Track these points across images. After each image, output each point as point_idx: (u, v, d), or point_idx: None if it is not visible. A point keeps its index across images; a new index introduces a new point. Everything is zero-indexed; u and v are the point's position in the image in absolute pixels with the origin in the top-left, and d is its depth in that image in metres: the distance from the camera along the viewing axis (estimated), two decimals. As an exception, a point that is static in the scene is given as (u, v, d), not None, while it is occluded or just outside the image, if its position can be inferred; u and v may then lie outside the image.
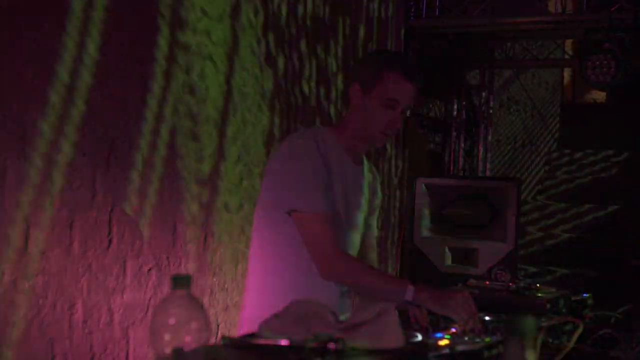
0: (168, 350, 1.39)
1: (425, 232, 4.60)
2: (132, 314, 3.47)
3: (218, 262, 4.10)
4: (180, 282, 1.42)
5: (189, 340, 1.40)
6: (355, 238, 2.80)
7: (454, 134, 8.17)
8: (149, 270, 3.59)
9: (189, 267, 3.84)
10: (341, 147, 2.72)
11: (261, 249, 2.70)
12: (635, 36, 6.43)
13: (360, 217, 2.81)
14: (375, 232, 2.95)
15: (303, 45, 4.93)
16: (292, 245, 2.61)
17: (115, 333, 3.40)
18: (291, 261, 2.63)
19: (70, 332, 3.18)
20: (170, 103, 3.75)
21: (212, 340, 1.61)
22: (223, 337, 1.71)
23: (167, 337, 1.39)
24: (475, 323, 2.39)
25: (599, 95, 11.60)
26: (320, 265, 2.59)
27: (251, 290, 2.73)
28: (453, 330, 2.30)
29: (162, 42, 3.69)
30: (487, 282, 3.08)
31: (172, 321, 1.39)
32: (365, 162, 2.88)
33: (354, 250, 2.78)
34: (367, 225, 2.89)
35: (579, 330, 2.22)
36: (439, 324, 2.45)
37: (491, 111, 8.40)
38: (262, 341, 1.72)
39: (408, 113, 2.72)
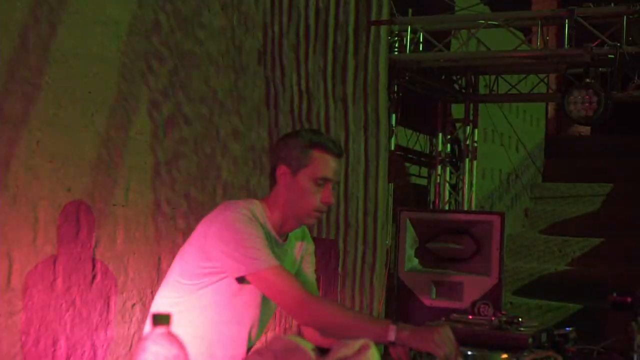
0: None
1: (410, 266, 4.61)
2: (116, 349, 3.47)
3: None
4: (161, 320, 1.43)
5: (169, 378, 1.41)
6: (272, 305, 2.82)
7: (439, 167, 8.21)
8: (133, 305, 3.58)
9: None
10: (269, 222, 2.74)
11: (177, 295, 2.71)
12: (617, 71, 6.50)
13: None
14: (310, 274, 2.96)
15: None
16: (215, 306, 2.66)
17: (98, 369, 3.39)
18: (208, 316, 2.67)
19: (53, 368, 3.17)
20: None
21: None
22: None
23: (147, 374, 1.40)
24: (457, 358, 2.40)
25: (584, 128, 11.68)
26: (295, 312, 2.63)
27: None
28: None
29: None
30: (470, 317, 3.08)
31: (153, 358, 1.40)
32: (295, 234, 2.88)
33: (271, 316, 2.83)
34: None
35: (558, 365, 2.23)
36: (422, 359, 2.46)
37: (475, 145, 8.45)
38: (243, 378, 1.73)
39: (334, 187, 2.75)
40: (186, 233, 4.00)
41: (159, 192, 3.83)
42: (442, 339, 2.43)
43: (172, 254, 3.85)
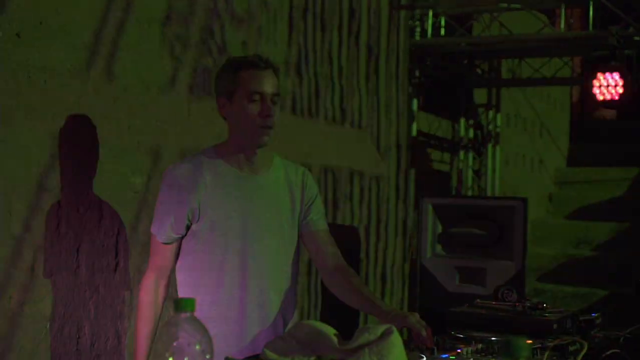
0: (172, 373, 1.39)
1: (433, 252, 4.59)
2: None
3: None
4: (184, 305, 1.42)
5: (192, 364, 1.40)
6: (273, 242, 2.80)
7: (462, 152, 8.17)
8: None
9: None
10: (227, 162, 2.77)
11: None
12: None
13: (271, 222, 2.81)
14: (321, 227, 2.93)
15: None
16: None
17: (122, 356, 3.40)
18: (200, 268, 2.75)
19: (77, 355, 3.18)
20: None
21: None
22: (227, 358, 1.71)
23: (170, 359, 1.40)
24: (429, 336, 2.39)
25: (609, 112, 11.58)
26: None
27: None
28: (459, 350, 2.30)
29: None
30: (494, 302, 3.07)
31: (175, 344, 1.39)
32: (277, 165, 2.89)
33: (275, 255, 2.79)
34: (305, 225, 2.89)
35: (584, 350, 2.21)
36: (446, 345, 2.45)
37: (498, 130, 8.40)
38: (265, 363, 1.72)
39: (278, 102, 2.78)
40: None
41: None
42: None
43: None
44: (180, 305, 1.42)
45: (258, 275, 2.71)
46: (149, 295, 2.76)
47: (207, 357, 1.39)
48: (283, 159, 2.90)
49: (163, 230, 2.72)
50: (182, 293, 2.77)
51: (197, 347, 1.39)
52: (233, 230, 2.71)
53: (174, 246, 2.74)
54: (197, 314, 1.45)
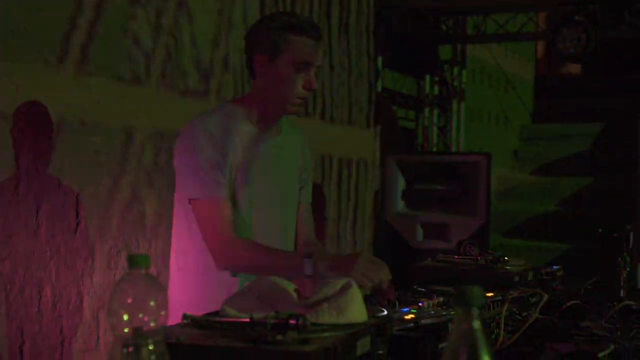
0: (127, 330, 1.38)
1: (397, 209, 4.61)
2: (102, 296, 3.46)
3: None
4: (138, 261, 1.40)
5: (147, 320, 1.39)
6: (283, 213, 2.75)
7: (427, 109, 8.17)
8: (119, 252, 3.57)
9: (158, 250, 3.83)
10: (250, 121, 2.65)
11: (176, 232, 2.69)
12: (606, 8, 6.44)
13: (285, 192, 2.78)
14: (309, 199, 2.89)
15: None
16: (194, 229, 2.60)
17: (85, 316, 3.38)
18: (197, 244, 2.61)
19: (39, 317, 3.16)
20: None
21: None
22: (184, 316, 1.70)
23: (125, 316, 1.38)
24: (389, 287, 2.38)
25: (574, 67, 11.62)
26: (214, 254, 2.56)
27: (172, 273, 2.73)
28: (420, 304, 2.31)
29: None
30: (457, 257, 3.08)
31: (130, 300, 1.38)
32: (288, 130, 2.80)
33: (281, 229, 2.74)
34: (295, 199, 2.85)
35: (543, 301, 2.23)
36: (407, 299, 2.45)
37: (464, 86, 8.40)
38: (223, 319, 1.71)
39: (317, 72, 2.66)
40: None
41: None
42: (366, 266, 2.40)
43: (158, 200, 3.84)
44: (135, 261, 1.40)
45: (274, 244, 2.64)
46: (239, 242, 2.56)
47: (162, 313, 1.38)
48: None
49: (219, 184, 2.52)
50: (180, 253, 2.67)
51: (152, 303, 1.38)
52: (258, 198, 2.62)
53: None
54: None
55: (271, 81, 2.61)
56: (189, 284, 2.63)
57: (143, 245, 3.73)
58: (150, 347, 1.35)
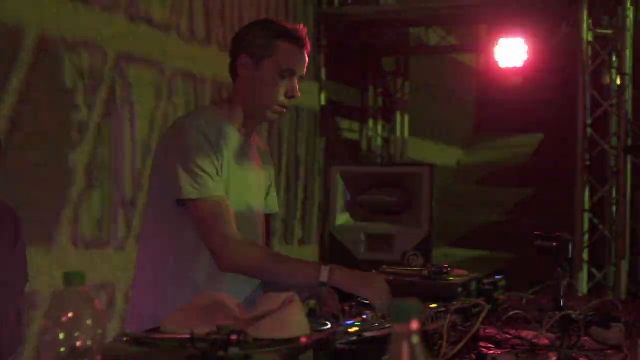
0: (63, 349, 1.35)
1: (342, 220, 4.61)
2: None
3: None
4: (73, 278, 1.38)
5: (84, 338, 1.36)
6: (254, 221, 2.74)
7: (371, 120, 8.20)
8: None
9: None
10: (231, 125, 2.62)
11: (148, 240, 2.63)
12: (544, 17, 6.53)
13: (255, 197, 2.75)
14: (275, 209, 2.89)
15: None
16: (179, 236, 2.55)
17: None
18: (179, 252, 2.56)
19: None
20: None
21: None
22: (124, 333, 1.67)
23: (61, 335, 1.35)
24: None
25: (513, 79, 11.74)
26: (215, 255, 2.49)
27: (139, 284, 2.67)
28: (364, 317, 2.30)
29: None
30: (400, 267, 3.08)
31: (64, 318, 1.35)
32: (255, 137, 2.79)
33: (255, 235, 2.71)
34: (262, 208, 2.83)
35: (484, 312, 2.24)
36: (351, 311, 2.45)
37: (407, 98, 8.44)
38: (164, 335, 1.69)
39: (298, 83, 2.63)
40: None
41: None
42: (379, 287, 2.41)
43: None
44: (69, 278, 1.37)
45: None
46: (249, 243, 2.51)
47: (99, 331, 1.35)
48: None
49: (219, 183, 2.47)
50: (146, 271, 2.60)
51: (88, 321, 1.35)
52: (234, 204, 2.55)
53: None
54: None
55: (253, 85, 2.58)
56: (163, 291, 2.55)
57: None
58: (87, 366, 1.33)
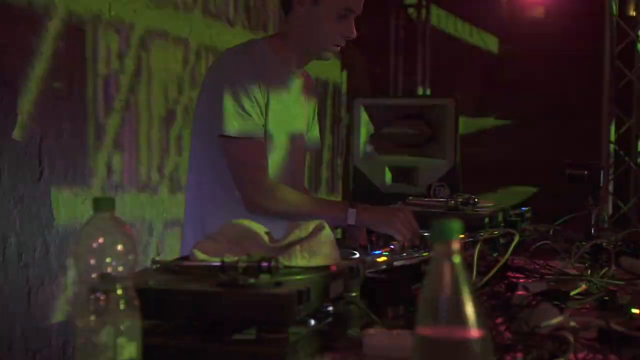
0: (94, 276, 1.34)
1: (365, 152, 4.57)
2: (69, 244, 3.40)
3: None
4: (103, 204, 1.36)
5: (115, 265, 1.35)
6: (292, 157, 2.72)
7: (393, 53, 8.09)
8: (84, 200, 3.50)
9: (125, 197, 3.77)
10: (280, 60, 2.59)
11: (196, 175, 2.63)
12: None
13: (298, 135, 2.73)
14: (315, 143, 2.88)
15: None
16: (225, 171, 2.54)
17: (51, 267, 3.33)
18: (227, 188, 2.56)
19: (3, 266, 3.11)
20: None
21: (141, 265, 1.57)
22: (154, 261, 1.66)
23: (92, 261, 1.34)
24: (417, 240, 2.38)
25: (537, 11, 11.55)
26: (243, 196, 2.50)
27: (188, 217, 2.67)
28: (392, 247, 2.29)
29: None
30: (426, 199, 3.06)
31: (95, 245, 1.33)
32: (303, 73, 2.76)
33: (290, 173, 2.71)
34: (305, 141, 2.82)
35: (515, 241, 2.22)
36: (379, 242, 2.44)
37: (430, 31, 8.32)
38: (194, 263, 1.68)
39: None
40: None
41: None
42: (404, 221, 2.40)
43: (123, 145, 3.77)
44: (99, 204, 1.35)
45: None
46: (279, 186, 2.52)
47: (130, 257, 1.33)
48: None
49: (259, 125, 2.47)
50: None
51: (119, 247, 1.34)
52: (275, 141, 2.57)
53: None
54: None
55: (309, 23, 2.53)
56: (209, 222, 2.55)
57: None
58: (119, 293, 1.31)
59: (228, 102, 2.44)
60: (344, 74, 6.59)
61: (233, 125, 2.44)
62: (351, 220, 2.44)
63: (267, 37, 2.70)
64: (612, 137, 6.60)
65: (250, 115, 2.46)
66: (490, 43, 10.58)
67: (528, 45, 10.55)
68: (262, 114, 2.49)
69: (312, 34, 2.55)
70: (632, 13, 6.63)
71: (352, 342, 1.59)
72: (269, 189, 2.51)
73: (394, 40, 8.11)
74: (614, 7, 6.40)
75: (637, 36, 6.47)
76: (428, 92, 8.27)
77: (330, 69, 6.31)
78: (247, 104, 2.45)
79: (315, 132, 2.87)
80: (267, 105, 2.52)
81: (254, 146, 2.48)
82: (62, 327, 3.34)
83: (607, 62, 6.47)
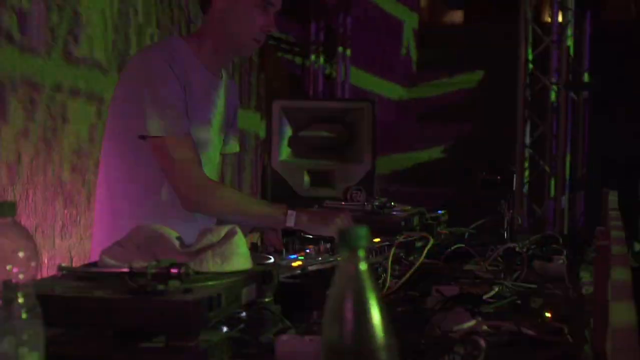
0: (-4, 284, 1.29)
1: (283, 156, 4.55)
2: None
3: (69, 192, 3.94)
4: (3, 209, 1.31)
5: (17, 272, 1.30)
6: (214, 159, 2.69)
7: (313, 56, 8.11)
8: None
9: (37, 198, 3.67)
10: (199, 58, 2.54)
11: (108, 176, 2.57)
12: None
13: (217, 136, 2.70)
14: (236, 150, 2.86)
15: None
16: (141, 172, 2.50)
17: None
18: (141, 188, 2.52)
19: None
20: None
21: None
22: (60, 267, 1.62)
23: (-8, 269, 1.29)
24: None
25: (457, 16, 11.75)
26: (179, 194, 2.44)
27: (99, 220, 2.62)
28: (307, 251, 2.28)
29: None
30: (343, 203, 3.07)
31: (-4, 252, 1.29)
32: (224, 74, 2.73)
33: (212, 174, 2.67)
34: (224, 144, 2.78)
35: (429, 245, 2.23)
36: (294, 246, 2.42)
37: (349, 33, 8.36)
38: (102, 270, 1.63)
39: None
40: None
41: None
42: (346, 222, 2.40)
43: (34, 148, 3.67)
44: (0, 209, 1.30)
45: None
46: (218, 185, 2.51)
47: (32, 264, 1.29)
48: None
49: (185, 121, 2.39)
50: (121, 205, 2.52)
51: (21, 254, 1.29)
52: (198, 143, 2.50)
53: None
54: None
55: (229, 16, 2.48)
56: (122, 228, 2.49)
57: (19, 194, 3.56)
58: (21, 301, 1.27)
59: (148, 100, 2.38)
60: (262, 75, 6.58)
61: (157, 123, 2.38)
62: (290, 222, 2.42)
63: (186, 36, 2.64)
64: (527, 141, 6.73)
65: (173, 111, 2.40)
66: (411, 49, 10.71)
67: (445, 51, 10.73)
68: (184, 111, 2.45)
69: (232, 27, 2.50)
70: (547, 19, 6.78)
71: (265, 348, 1.57)
72: (209, 186, 2.47)
73: (314, 41, 8.11)
74: (529, 12, 6.51)
75: (552, 41, 6.61)
76: (347, 95, 8.30)
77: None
78: (169, 100, 2.40)
79: (234, 139, 2.84)
80: (186, 104, 2.47)
81: (184, 142, 2.42)
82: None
83: (522, 67, 6.59)
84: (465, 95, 9.89)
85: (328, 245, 2.33)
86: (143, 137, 2.42)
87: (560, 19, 6.62)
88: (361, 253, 0.95)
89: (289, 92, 7.70)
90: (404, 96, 10.45)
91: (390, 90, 10.16)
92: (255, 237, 2.77)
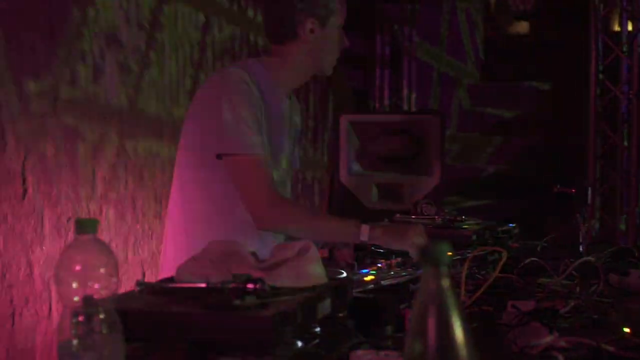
0: (77, 299, 1.31)
1: (351, 170, 4.55)
2: (53, 264, 3.37)
3: (141, 208, 4.00)
4: (85, 226, 1.33)
5: (98, 288, 1.32)
6: (285, 177, 2.71)
7: (378, 70, 8.10)
8: (68, 220, 3.47)
9: (110, 214, 3.74)
10: (275, 82, 2.59)
11: (182, 192, 2.59)
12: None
13: (287, 154, 2.72)
14: (295, 167, 2.87)
15: None
16: (216, 190, 2.51)
17: (36, 285, 3.29)
18: (216, 207, 2.53)
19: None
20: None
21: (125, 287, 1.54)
22: (138, 283, 1.64)
23: (74, 284, 1.31)
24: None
25: (522, 27, 11.63)
26: (253, 213, 2.45)
27: (173, 240, 2.63)
28: (379, 265, 2.28)
29: None
30: (413, 217, 3.05)
31: (78, 268, 1.31)
32: (291, 93, 2.75)
33: (284, 192, 2.69)
34: (291, 165, 2.81)
35: (503, 259, 2.21)
36: (365, 260, 2.42)
37: (414, 46, 8.34)
38: (178, 285, 1.65)
39: None
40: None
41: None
42: (420, 236, 2.39)
43: (108, 165, 3.74)
44: (82, 226, 1.32)
45: None
46: (289, 202, 2.55)
47: (113, 280, 1.31)
48: None
49: (261, 141, 2.42)
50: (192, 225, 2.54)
51: (102, 270, 1.31)
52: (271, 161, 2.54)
53: None
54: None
55: (320, 46, 2.54)
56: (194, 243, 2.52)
57: (94, 211, 3.63)
58: (102, 316, 1.29)
59: (227, 118, 2.40)
60: (330, 90, 6.60)
61: (235, 141, 2.40)
62: (364, 237, 2.43)
63: (265, 59, 2.66)
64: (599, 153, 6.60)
65: (251, 130, 2.42)
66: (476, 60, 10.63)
67: (513, 61, 10.63)
68: (260, 131, 2.47)
69: (324, 54, 2.57)
70: (617, 28, 6.67)
71: (340, 363, 1.57)
72: (282, 205, 2.49)
73: (380, 55, 8.11)
74: (598, 23, 6.42)
75: (622, 51, 6.49)
76: (413, 108, 8.27)
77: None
78: (248, 119, 2.42)
79: (296, 155, 2.86)
80: (263, 125, 2.50)
81: (259, 162, 2.44)
82: (46, 349, 3.29)
83: (593, 78, 6.48)
84: (532, 106, 9.77)
85: (400, 260, 2.32)
86: (219, 156, 2.44)
87: (630, 28, 6.51)
88: (443, 269, 0.94)
89: (355, 107, 7.70)
90: (469, 107, 10.37)
91: (456, 101, 10.09)
92: (325, 253, 2.77)
